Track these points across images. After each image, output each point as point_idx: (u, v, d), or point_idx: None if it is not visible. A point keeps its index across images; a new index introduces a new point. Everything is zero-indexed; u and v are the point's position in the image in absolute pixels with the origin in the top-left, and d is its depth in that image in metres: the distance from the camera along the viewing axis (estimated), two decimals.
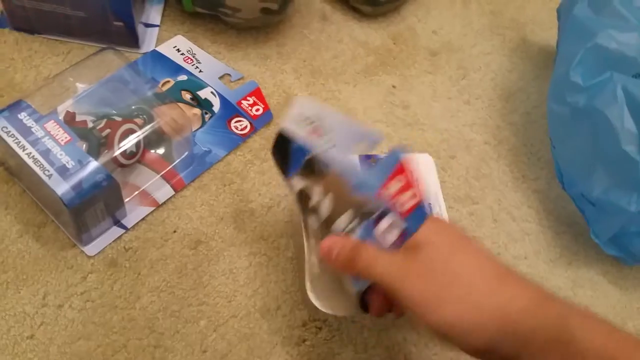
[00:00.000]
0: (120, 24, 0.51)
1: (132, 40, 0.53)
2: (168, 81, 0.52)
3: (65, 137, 0.40)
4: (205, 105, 0.51)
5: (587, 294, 0.47)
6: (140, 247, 0.43)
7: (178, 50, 0.54)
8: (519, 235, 0.49)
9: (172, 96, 0.50)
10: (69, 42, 0.53)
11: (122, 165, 0.42)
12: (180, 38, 0.55)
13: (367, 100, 0.55)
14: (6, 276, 0.41)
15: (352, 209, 0.37)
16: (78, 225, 0.40)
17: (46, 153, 0.39)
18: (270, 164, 0.49)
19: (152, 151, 0.44)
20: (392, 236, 0.34)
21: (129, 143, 0.42)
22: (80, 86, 0.44)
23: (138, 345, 0.39)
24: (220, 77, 0.53)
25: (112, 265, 0.42)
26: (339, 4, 0.61)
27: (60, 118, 0.41)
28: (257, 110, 0.51)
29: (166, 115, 0.44)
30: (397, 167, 0.34)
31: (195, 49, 0.54)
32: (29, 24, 0.52)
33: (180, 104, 0.50)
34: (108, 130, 0.42)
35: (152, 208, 0.45)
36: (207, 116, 0.50)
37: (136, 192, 0.44)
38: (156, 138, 0.44)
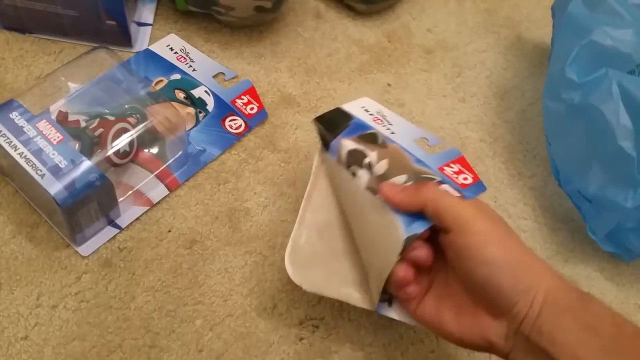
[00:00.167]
0: (113, 22, 0.51)
1: (124, 39, 0.52)
2: (161, 80, 0.51)
3: (58, 137, 0.40)
4: (199, 104, 0.51)
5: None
6: (134, 246, 0.43)
7: (171, 49, 0.54)
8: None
9: (166, 95, 0.50)
10: (61, 41, 0.53)
11: (115, 165, 0.42)
12: (173, 37, 0.55)
13: None
14: None
15: (408, 175, 0.37)
16: (71, 225, 0.40)
17: (38, 153, 0.39)
18: (265, 163, 0.49)
19: (146, 150, 0.44)
20: None
21: (122, 142, 0.41)
22: (73, 86, 0.44)
23: (133, 345, 0.39)
24: (214, 76, 0.53)
25: (107, 265, 0.42)
26: (333, 2, 0.61)
27: (52, 117, 0.41)
28: (252, 109, 0.51)
29: (159, 114, 0.44)
30: (456, 158, 0.40)
31: (189, 48, 0.54)
32: (20, 23, 0.52)
33: (174, 103, 0.49)
34: (101, 130, 0.41)
35: (147, 208, 0.44)
36: (201, 115, 0.50)
37: (130, 192, 0.44)
38: (150, 137, 0.44)
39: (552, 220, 0.50)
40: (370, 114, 0.40)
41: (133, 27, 0.53)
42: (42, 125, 0.40)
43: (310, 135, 0.51)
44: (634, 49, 0.45)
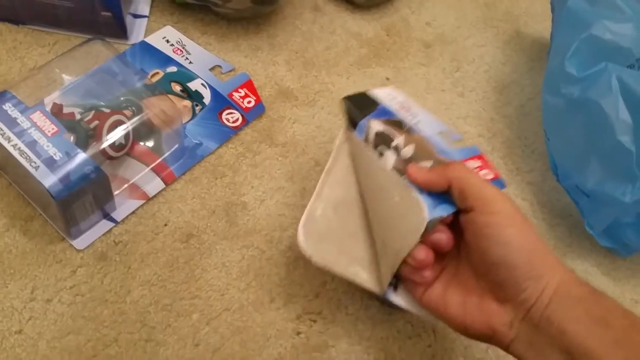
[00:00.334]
0: (108, 14, 0.50)
1: (120, 31, 0.52)
2: (157, 72, 0.51)
3: (52, 129, 0.39)
4: (195, 97, 0.50)
5: None
6: (130, 240, 0.42)
7: (167, 41, 0.53)
8: None
9: (162, 88, 0.49)
10: (55, 32, 0.52)
11: (110, 158, 0.41)
12: (169, 29, 0.54)
13: None
14: None
15: (433, 161, 0.37)
16: (66, 218, 0.40)
17: (32, 144, 0.38)
18: (262, 157, 0.48)
19: (142, 143, 0.44)
20: None
21: (117, 135, 0.41)
22: (67, 78, 0.43)
23: (129, 339, 0.38)
24: (211, 69, 0.52)
25: (102, 259, 0.41)
26: None
27: (47, 109, 0.40)
28: (249, 102, 0.51)
29: (155, 107, 0.43)
30: (478, 155, 0.41)
31: (185, 40, 0.53)
32: (14, 13, 0.51)
33: (170, 96, 0.49)
34: (96, 122, 0.41)
35: (142, 201, 0.44)
36: (197, 108, 0.50)
37: (125, 185, 0.43)
38: (145, 130, 0.43)
39: (550, 216, 0.50)
40: (396, 103, 0.40)
41: (129, 19, 0.53)
42: (37, 116, 0.40)
43: (308, 129, 0.51)
44: (633, 43, 0.45)
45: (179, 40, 0.53)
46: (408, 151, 0.38)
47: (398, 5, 0.62)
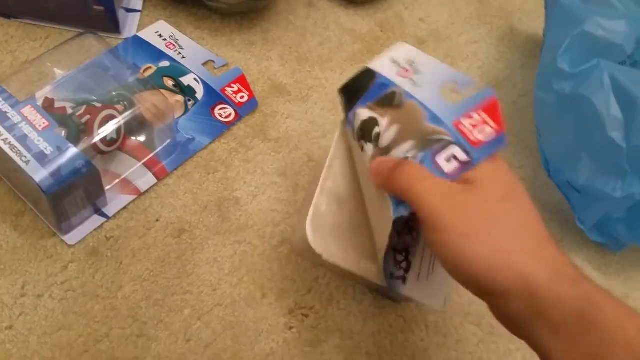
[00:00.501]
0: (101, 8, 0.50)
1: (112, 25, 0.51)
2: (150, 67, 0.51)
3: (44, 123, 0.39)
4: (188, 92, 0.50)
5: None
6: (122, 236, 0.42)
7: (160, 35, 0.53)
8: None
9: (154, 82, 0.49)
10: (47, 27, 0.52)
11: (102, 152, 0.41)
12: (162, 23, 0.54)
13: None
14: None
15: (414, 140, 0.35)
16: (57, 213, 0.39)
17: (23, 139, 0.38)
18: (255, 152, 0.48)
19: (133, 138, 0.44)
20: (451, 166, 0.32)
21: (108, 129, 0.41)
22: (59, 72, 0.43)
23: (121, 335, 0.38)
24: (204, 64, 0.52)
25: (94, 255, 0.41)
26: None
27: (38, 104, 0.40)
28: (242, 97, 0.51)
29: (147, 102, 0.43)
30: (484, 103, 0.34)
31: (178, 35, 0.53)
32: (5, 7, 0.50)
33: (163, 91, 0.49)
34: (88, 117, 0.41)
35: (134, 196, 0.44)
36: (190, 103, 0.49)
37: (117, 180, 0.43)
38: (137, 125, 0.43)
39: (542, 211, 0.50)
40: (398, 66, 0.38)
41: (121, 13, 0.52)
42: (27, 111, 0.39)
43: (301, 125, 0.51)
44: (625, 39, 0.45)
45: (171, 34, 0.53)
46: (389, 136, 0.36)
47: (392, 1, 0.62)
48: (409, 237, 0.38)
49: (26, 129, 0.38)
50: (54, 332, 0.38)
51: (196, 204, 0.45)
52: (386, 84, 0.38)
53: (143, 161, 0.44)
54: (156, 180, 0.45)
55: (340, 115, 0.40)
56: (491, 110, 0.34)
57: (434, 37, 0.60)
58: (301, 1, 0.59)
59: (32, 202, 0.42)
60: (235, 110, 0.50)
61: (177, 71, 0.51)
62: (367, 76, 0.39)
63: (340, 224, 0.37)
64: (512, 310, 0.28)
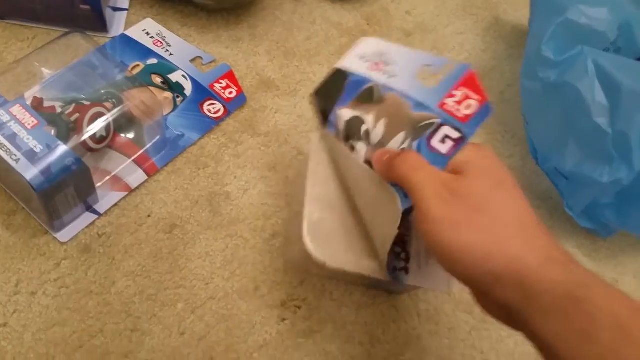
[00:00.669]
0: (87, 7, 0.50)
1: (99, 24, 0.51)
2: (138, 65, 0.51)
3: (33, 121, 0.39)
4: (176, 88, 0.50)
5: None
6: (114, 232, 0.42)
7: (147, 33, 0.53)
8: None
9: (143, 80, 0.49)
10: (34, 27, 0.52)
11: (91, 150, 0.41)
12: (149, 21, 0.54)
13: None
14: None
15: (405, 131, 0.35)
16: (49, 211, 0.40)
17: (12, 137, 0.38)
18: (245, 147, 0.48)
19: (123, 135, 0.44)
20: (446, 146, 0.33)
21: (97, 126, 0.41)
22: (47, 71, 0.43)
23: (115, 330, 0.39)
24: (192, 60, 0.52)
25: (86, 251, 0.41)
26: None
27: (27, 103, 0.40)
28: (231, 93, 0.51)
29: (136, 99, 0.43)
30: (462, 79, 0.35)
31: (165, 32, 0.53)
32: None
33: (151, 88, 0.49)
34: (77, 115, 0.41)
35: (125, 193, 0.44)
36: (179, 100, 0.50)
37: (108, 177, 0.43)
38: (126, 122, 0.43)
39: (531, 199, 0.50)
40: (367, 62, 0.38)
41: (108, 12, 0.52)
42: (16, 110, 0.39)
43: (290, 119, 0.51)
44: (608, 26, 0.45)
45: (159, 32, 0.53)
46: (379, 132, 0.37)
47: None
48: (401, 227, 0.39)
49: (15, 127, 0.39)
50: (48, 329, 0.38)
51: (187, 200, 0.45)
52: (360, 80, 0.38)
53: (133, 158, 0.45)
54: (147, 177, 0.45)
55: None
56: (470, 83, 0.35)
57: (420, 30, 0.60)
58: None
59: (24, 201, 0.42)
60: (224, 106, 0.50)
61: (165, 68, 0.51)
62: (338, 77, 0.39)
63: (334, 228, 0.37)
64: (504, 297, 0.28)
